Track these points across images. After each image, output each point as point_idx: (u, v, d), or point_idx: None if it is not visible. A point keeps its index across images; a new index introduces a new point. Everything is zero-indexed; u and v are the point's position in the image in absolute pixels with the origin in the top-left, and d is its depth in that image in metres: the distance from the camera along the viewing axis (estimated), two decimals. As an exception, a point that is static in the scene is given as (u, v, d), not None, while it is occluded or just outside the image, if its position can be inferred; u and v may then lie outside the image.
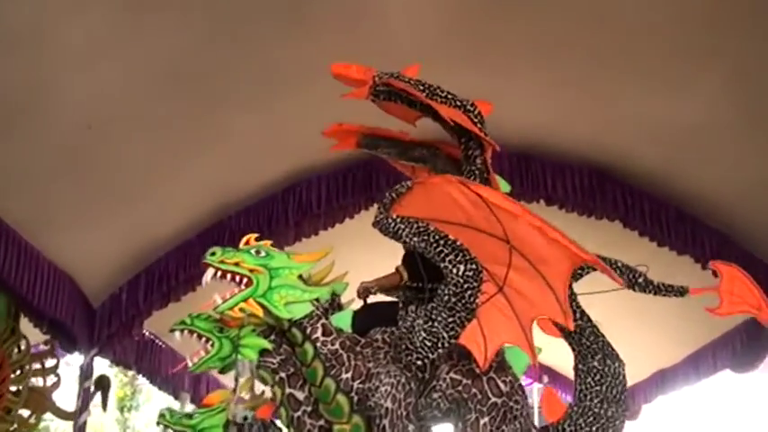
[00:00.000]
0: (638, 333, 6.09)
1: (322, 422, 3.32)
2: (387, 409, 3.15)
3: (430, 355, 3.17)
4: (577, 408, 3.51)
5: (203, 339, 3.36)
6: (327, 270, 3.46)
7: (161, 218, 5.91)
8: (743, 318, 6.51)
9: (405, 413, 3.18)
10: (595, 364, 3.54)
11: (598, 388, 3.51)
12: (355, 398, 3.27)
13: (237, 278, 3.21)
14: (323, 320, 3.30)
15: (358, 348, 3.36)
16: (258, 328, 3.39)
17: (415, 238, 3.15)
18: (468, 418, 3.26)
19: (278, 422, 3.64)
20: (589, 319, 3.60)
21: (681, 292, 3.55)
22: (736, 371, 6.89)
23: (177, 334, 3.35)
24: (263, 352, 3.36)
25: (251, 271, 3.23)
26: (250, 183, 6.03)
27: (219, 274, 3.20)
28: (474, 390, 3.30)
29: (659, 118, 5.10)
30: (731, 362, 6.73)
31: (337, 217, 6.30)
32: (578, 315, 3.53)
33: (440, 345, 3.16)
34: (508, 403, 3.26)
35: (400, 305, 3.52)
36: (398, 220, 3.17)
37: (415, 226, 3.15)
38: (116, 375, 14.79)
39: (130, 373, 13.67)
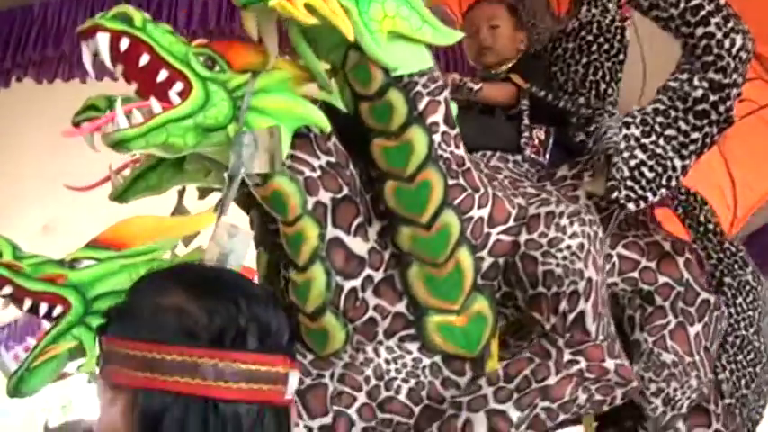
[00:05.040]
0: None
1: (401, 306, 1.57)
2: (589, 281, 1.56)
3: (649, 195, 1.64)
4: (731, 338, 2.24)
5: (163, 74, 1.38)
6: None
7: None
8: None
9: (605, 295, 1.63)
10: (749, 278, 2.30)
11: (751, 314, 2.28)
12: (488, 261, 1.59)
13: None
14: (446, 93, 1.56)
15: (486, 171, 1.68)
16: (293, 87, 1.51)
17: None
18: (656, 324, 1.78)
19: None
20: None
21: None
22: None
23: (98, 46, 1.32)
24: (297, 140, 1.49)
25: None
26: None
27: None
28: (664, 278, 1.82)
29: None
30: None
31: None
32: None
33: (664, 180, 1.66)
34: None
35: (524, 123, 1.90)
36: None
37: None
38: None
39: None
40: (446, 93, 1.54)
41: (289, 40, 1.51)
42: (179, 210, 1.76)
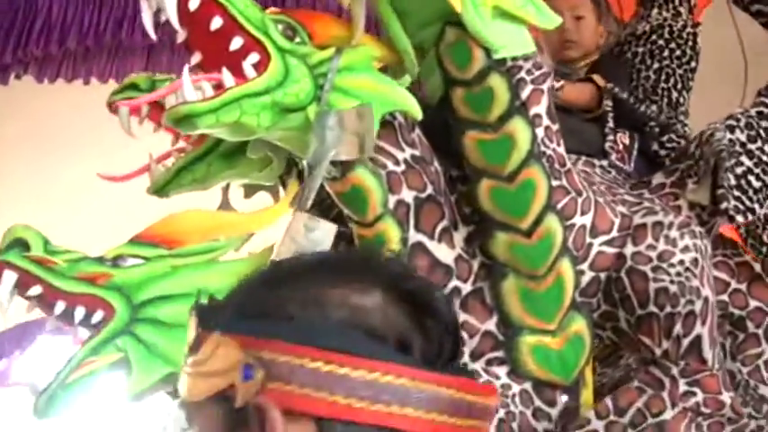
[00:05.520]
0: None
1: (491, 324, 1.37)
2: (705, 301, 1.38)
3: (756, 207, 1.49)
4: None
5: (237, 42, 1.17)
6: None
7: None
8: None
9: (717, 318, 1.46)
10: None
11: None
12: (588, 275, 1.40)
13: None
14: (550, 83, 1.38)
15: (583, 174, 1.51)
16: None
17: None
18: (750, 354, 1.61)
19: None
20: None
21: None
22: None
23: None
24: (381, 128, 1.29)
25: None
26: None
27: None
28: (756, 302, 1.65)
29: None
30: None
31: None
32: None
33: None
34: None
35: (609, 126, 1.72)
36: None
37: None
38: None
39: None
40: (549, 82, 1.36)
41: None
42: (224, 208, 1.55)
